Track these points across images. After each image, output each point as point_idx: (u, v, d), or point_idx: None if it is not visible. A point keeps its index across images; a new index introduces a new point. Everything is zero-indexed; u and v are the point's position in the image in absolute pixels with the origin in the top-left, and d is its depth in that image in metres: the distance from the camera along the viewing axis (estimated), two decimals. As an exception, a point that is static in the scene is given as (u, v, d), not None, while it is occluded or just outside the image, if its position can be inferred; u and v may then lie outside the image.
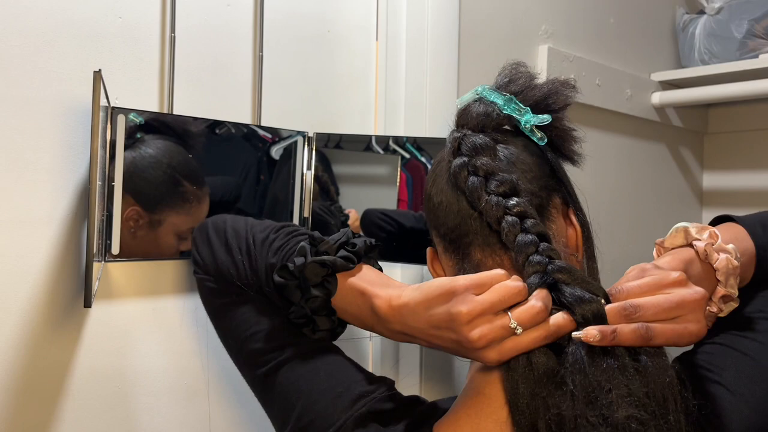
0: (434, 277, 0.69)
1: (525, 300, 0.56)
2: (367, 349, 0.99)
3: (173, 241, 0.82)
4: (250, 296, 0.71)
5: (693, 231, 0.66)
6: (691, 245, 0.66)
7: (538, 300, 0.56)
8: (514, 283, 0.57)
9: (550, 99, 0.66)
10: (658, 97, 1.56)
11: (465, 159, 0.64)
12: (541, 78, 0.68)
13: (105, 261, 0.77)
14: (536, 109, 0.66)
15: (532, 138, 0.66)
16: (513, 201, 0.60)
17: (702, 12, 1.56)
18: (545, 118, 0.65)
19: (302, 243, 0.67)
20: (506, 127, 0.68)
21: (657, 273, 0.59)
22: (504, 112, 0.65)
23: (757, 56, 1.43)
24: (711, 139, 1.78)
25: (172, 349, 0.85)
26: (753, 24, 1.45)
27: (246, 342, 0.70)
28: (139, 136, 0.78)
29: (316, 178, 0.95)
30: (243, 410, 0.91)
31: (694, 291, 0.58)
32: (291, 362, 0.67)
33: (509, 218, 0.60)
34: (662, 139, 1.64)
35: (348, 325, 0.70)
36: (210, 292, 0.75)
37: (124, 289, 0.81)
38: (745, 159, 1.72)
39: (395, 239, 0.97)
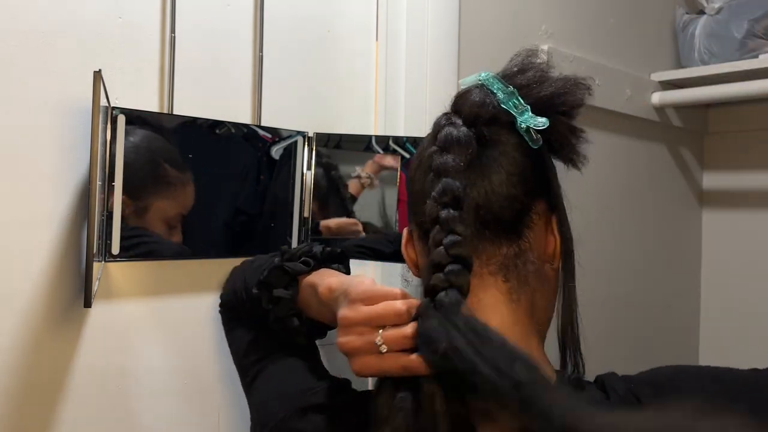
0: (406, 259, 0.68)
1: (403, 324, 0.56)
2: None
3: (163, 230, 0.82)
4: (246, 320, 0.81)
5: None
6: None
7: (412, 327, 0.55)
8: (399, 305, 0.56)
9: (557, 99, 0.62)
10: (657, 97, 1.55)
11: (435, 149, 0.61)
12: (554, 73, 0.64)
13: (105, 261, 0.77)
14: (539, 107, 0.61)
15: (527, 139, 0.61)
16: (445, 212, 0.57)
17: (702, 12, 1.56)
18: (541, 123, 0.60)
19: (275, 258, 0.74)
20: (502, 119, 0.62)
21: None
22: (502, 106, 0.61)
23: (757, 56, 1.43)
24: (711, 139, 1.78)
25: (172, 349, 0.85)
26: (753, 24, 1.45)
27: (237, 357, 0.81)
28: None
29: (328, 177, 0.96)
30: (242, 410, 0.91)
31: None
32: (263, 372, 0.75)
33: (436, 227, 0.57)
34: (662, 139, 1.64)
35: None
36: (222, 320, 0.86)
37: (124, 289, 0.81)
38: (745, 159, 1.72)
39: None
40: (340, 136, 0.99)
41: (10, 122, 0.72)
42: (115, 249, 0.76)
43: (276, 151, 0.92)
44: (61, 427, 0.76)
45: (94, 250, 0.73)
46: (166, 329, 0.85)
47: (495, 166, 0.61)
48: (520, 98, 0.61)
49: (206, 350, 0.88)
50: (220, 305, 0.87)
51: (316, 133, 0.95)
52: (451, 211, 0.57)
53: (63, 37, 0.75)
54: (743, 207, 1.71)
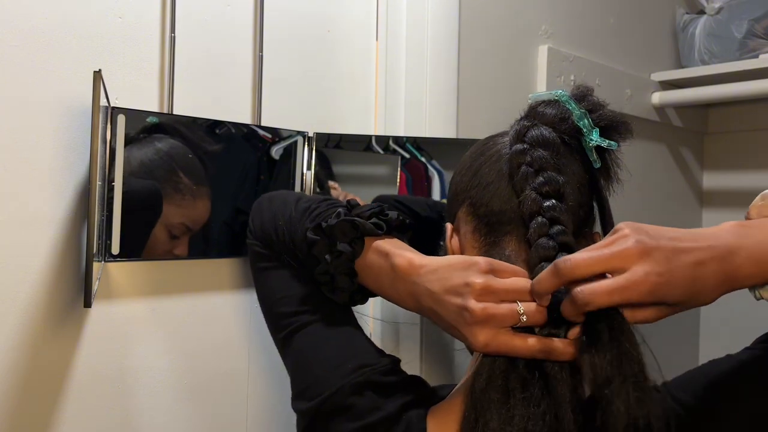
0: (450, 252, 0.69)
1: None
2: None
3: (164, 236, 0.82)
4: (286, 263, 0.75)
5: None
6: None
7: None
8: (530, 283, 0.58)
9: (615, 128, 0.66)
10: (658, 97, 1.56)
11: (525, 146, 0.63)
12: (607, 107, 0.68)
13: (105, 261, 0.77)
14: (601, 133, 0.66)
15: (590, 157, 0.65)
16: (550, 202, 0.60)
17: (702, 12, 1.56)
18: (613, 144, 0.64)
19: (339, 209, 0.70)
20: (574, 136, 0.66)
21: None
22: (577, 123, 0.64)
23: (757, 56, 1.43)
24: (711, 139, 1.78)
25: (172, 349, 0.85)
26: (753, 24, 1.45)
27: (274, 305, 0.74)
28: (149, 135, 0.80)
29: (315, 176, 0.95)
30: (241, 410, 0.92)
31: (631, 238, 0.54)
32: (306, 328, 0.70)
33: (540, 218, 0.60)
34: (662, 139, 1.64)
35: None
36: (254, 256, 0.78)
37: (124, 289, 0.81)
38: (745, 159, 1.72)
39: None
40: (340, 136, 0.99)
41: (10, 122, 0.72)
42: (115, 249, 0.76)
43: (276, 151, 0.92)
44: (61, 427, 0.76)
45: (94, 250, 0.73)
46: (166, 329, 0.85)
47: (569, 173, 0.64)
48: (590, 119, 0.65)
49: (206, 350, 0.88)
50: (252, 237, 0.78)
51: (316, 133, 0.95)
52: (555, 202, 0.60)
53: (63, 37, 0.75)
54: (743, 207, 1.70)
